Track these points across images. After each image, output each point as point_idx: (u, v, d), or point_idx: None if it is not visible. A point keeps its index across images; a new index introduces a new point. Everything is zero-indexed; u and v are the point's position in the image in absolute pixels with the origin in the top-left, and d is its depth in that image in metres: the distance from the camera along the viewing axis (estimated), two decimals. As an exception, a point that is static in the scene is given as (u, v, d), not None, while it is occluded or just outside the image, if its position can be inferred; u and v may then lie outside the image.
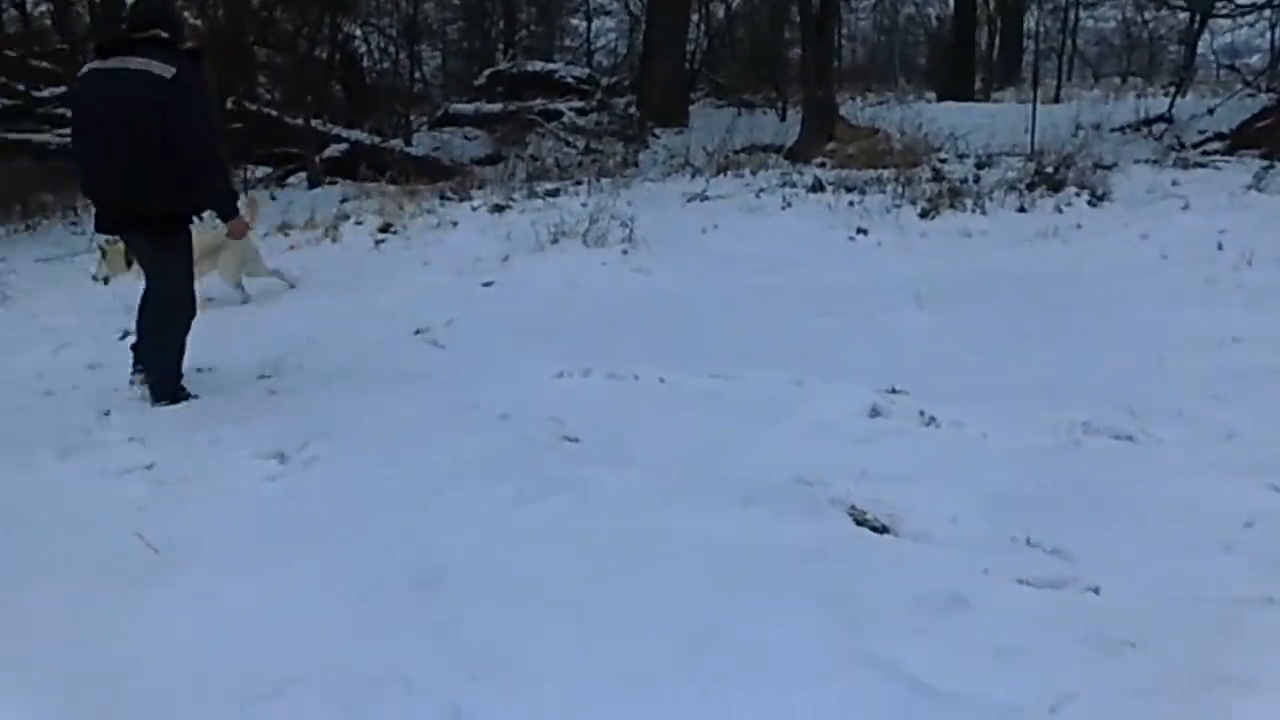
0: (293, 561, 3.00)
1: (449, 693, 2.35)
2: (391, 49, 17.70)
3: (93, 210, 4.58)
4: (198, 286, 4.66)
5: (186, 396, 4.50)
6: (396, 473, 3.56)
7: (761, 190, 8.92)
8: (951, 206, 7.87)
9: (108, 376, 4.92)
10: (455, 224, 8.26)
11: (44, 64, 12.71)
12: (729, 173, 10.28)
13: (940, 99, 17.50)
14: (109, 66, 4.18)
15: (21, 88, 11.92)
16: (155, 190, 4.17)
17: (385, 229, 8.24)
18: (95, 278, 6.03)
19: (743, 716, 2.25)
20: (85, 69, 4.37)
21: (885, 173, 9.28)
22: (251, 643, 2.61)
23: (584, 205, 8.37)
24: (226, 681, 2.46)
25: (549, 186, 9.95)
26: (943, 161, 10.25)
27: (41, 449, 4.03)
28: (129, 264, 5.55)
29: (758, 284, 5.90)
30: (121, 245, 5.32)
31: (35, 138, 11.60)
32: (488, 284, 6.31)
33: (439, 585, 2.80)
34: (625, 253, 6.71)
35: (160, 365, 4.45)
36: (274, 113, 13.55)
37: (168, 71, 4.05)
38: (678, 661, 2.47)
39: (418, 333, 5.40)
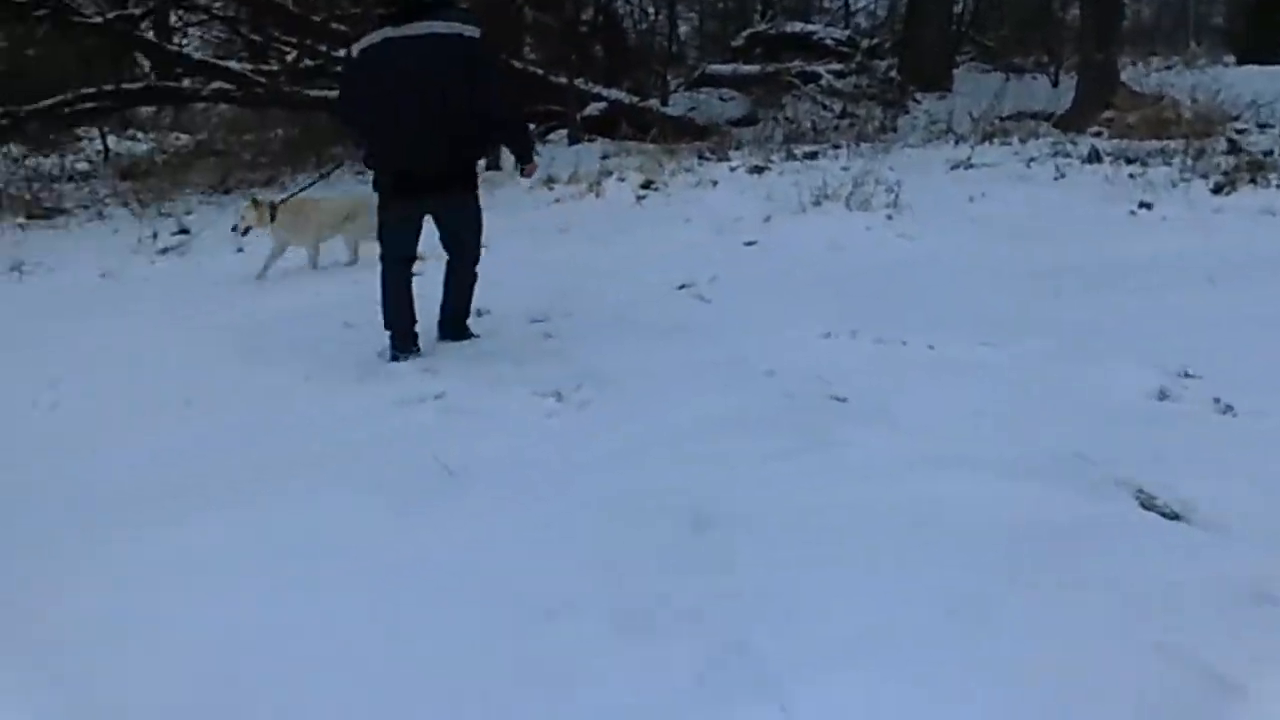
0: (570, 493, 3.18)
1: (732, 627, 2.44)
2: (650, 10, 17.97)
3: (385, 175, 4.48)
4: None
5: (470, 336, 4.82)
6: (667, 419, 3.69)
7: (1031, 159, 8.49)
8: (1252, 181, 7.19)
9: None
10: (715, 183, 8.35)
11: (340, 26, 13.74)
12: (995, 140, 9.84)
13: (1241, 62, 15.91)
14: (412, 32, 4.15)
15: (323, 48, 12.96)
16: (464, 151, 4.42)
17: (646, 185, 8.44)
18: (235, 229, 6.69)
19: (1017, 693, 2.21)
20: (378, 37, 4.23)
21: (1171, 144, 8.60)
22: (531, 564, 2.79)
23: (844, 169, 8.26)
24: (508, 598, 2.65)
25: (807, 149, 9.88)
26: (1240, 132, 9.37)
27: (345, 375, 4.44)
28: (272, 219, 6.45)
29: (1029, 254, 5.64)
30: (264, 201, 6.35)
31: (330, 94, 12.61)
32: (750, 243, 6.36)
33: (712, 527, 2.89)
34: (890, 218, 6.57)
35: (461, 307, 4.74)
36: (538, 71, 14.08)
37: (476, 32, 4.27)
38: (945, 624, 2.46)
39: (682, 287, 5.52)
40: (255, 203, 6.53)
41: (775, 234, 6.52)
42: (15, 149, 13.59)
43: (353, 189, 9.98)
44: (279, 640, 2.53)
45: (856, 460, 3.32)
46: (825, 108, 13.95)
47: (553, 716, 2.24)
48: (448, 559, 2.83)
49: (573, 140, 12.58)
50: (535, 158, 4.80)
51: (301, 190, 6.90)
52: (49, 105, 12.20)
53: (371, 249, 6.31)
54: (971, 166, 8.34)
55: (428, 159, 4.34)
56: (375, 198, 4.57)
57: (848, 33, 18.31)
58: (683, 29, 20.81)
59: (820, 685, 2.29)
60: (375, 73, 4.24)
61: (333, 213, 6.60)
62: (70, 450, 3.82)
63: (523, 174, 4.82)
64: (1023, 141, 9.53)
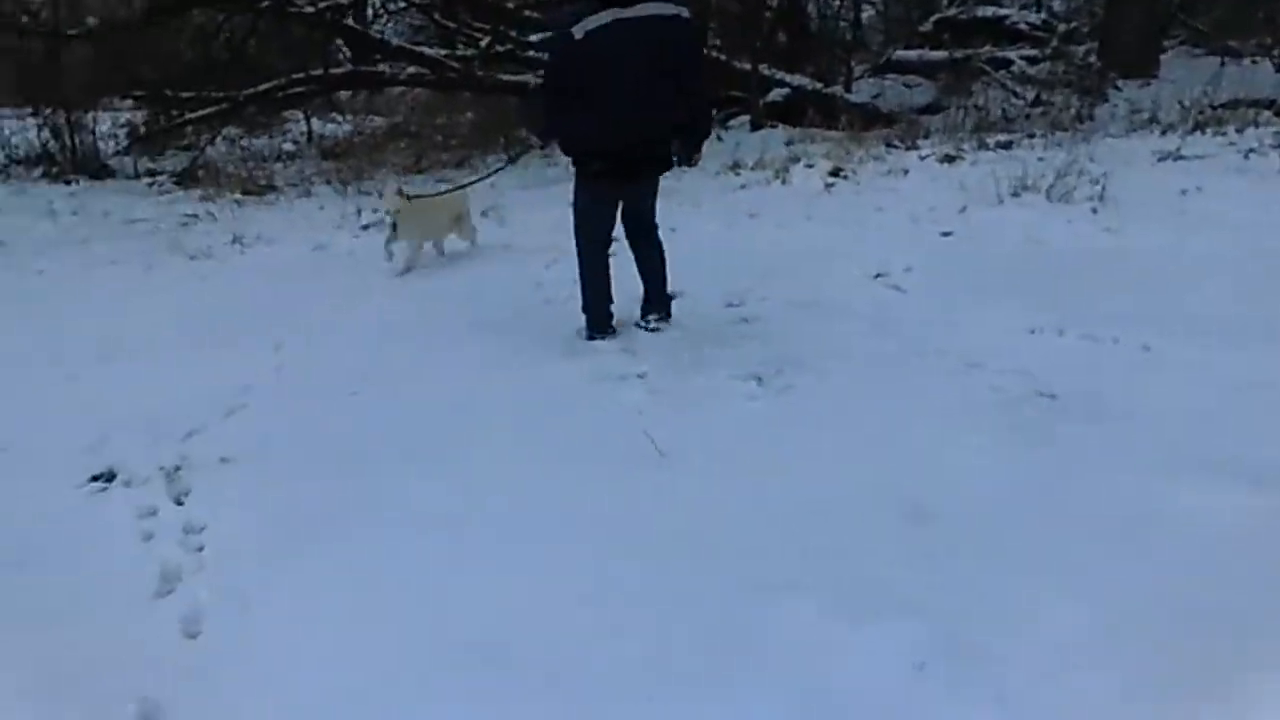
0: (783, 478, 3.23)
1: (952, 619, 2.45)
2: (834, -4, 17.68)
3: (594, 159, 4.49)
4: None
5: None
6: (873, 407, 3.70)
7: (1251, 151, 7.96)
8: None
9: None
10: (905, 172, 8.20)
11: (531, 12, 14.10)
12: (1207, 130, 9.25)
13: None
14: (639, 14, 4.19)
15: (513, 33, 13.34)
16: (671, 131, 4.50)
17: (835, 173, 8.36)
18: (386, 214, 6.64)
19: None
20: (607, 18, 4.20)
21: None
22: (750, 543, 2.87)
23: (1040, 159, 7.96)
24: (728, 572, 2.73)
25: (1000, 138, 9.56)
26: None
27: (549, 351, 4.61)
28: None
29: (1257, 249, 5.31)
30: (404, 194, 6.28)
31: (519, 79, 12.97)
32: (946, 234, 6.22)
33: (931, 520, 2.89)
34: (1094, 211, 6.30)
35: (664, 282, 4.85)
36: (721, 56, 14.08)
37: (689, 13, 4.34)
38: (1178, 631, 2.40)
39: (877, 276, 5.47)
40: (400, 193, 6.38)
41: (972, 225, 6.36)
42: (232, 131, 14.60)
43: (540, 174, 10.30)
44: (508, 584, 2.69)
45: (1076, 459, 3.25)
46: (1017, 95, 13.41)
47: (768, 689, 2.30)
48: (666, 529, 2.94)
49: (755, 126, 12.56)
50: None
51: (486, 177, 7.00)
52: (264, 90, 13.03)
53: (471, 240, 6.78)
54: (1181, 158, 7.90)
55: (642, 141, 4.42)
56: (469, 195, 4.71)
57: (1042, 16, 17.53)
58: (866, 14, 20.40)
59: (1041, 684, 2.28)
60: (599, 54, 4.20)
61: (452, 210, 6.68)
62: (296, 415, 4.09)
63: (690, 163, 4.78)
64: (1240, 131, 8.94)
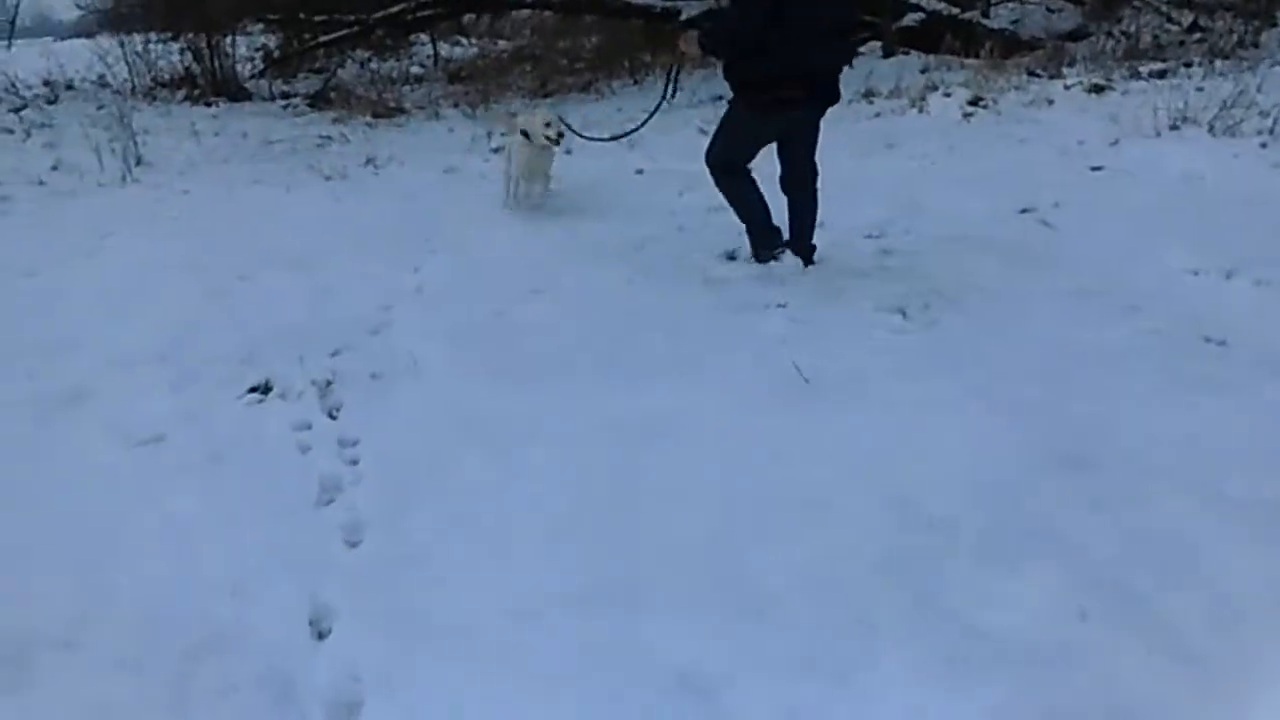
0: (936, 414, 3.14)
1: (1112, 565, 2.37)
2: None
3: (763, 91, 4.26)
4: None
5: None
6: (1025, 348, 3.57)
7: None
8: None
9: (727, 219, 5.39)
10: (1050, 102, 7.82)
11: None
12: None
13: None
14: None
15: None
16: (843, 65, 4.36)
17: (974, 102, 8.03)
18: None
19: None
20: None
21: None
22: (902, 478, 2.81)
23: (1200, 89, 7.49)
24: (880, 502, 2.69)
25: (1154, 67, 9.03)
26: None
27: (687, 279, 4.57)
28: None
29: None
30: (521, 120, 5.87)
31: (643, 1, 12.78)
32: (1096, 168, 5.92)
33: (1090, 464, 2.79)
34: (1264, 146, 5.90)
35: (812, 228, 4.69)
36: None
37: None
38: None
39: (1024, 211, 5.25)
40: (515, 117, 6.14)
41: (1125, 158, 6.04)
42: (361, 54, 14.82)
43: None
44: (667, 507, 2.71)
45: (1247, 409, 3.08)
46: (1170, 20, 12.64)
47: (914, 622, 2.27)
48: (815, 458, 2.90)
49: (887, 53, 12.13)
50: None
51: (648, 118, 5.84)
52: (393, 13, 13.15)
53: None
54: (1360, 90, 7.33)
55: (824, 70, 4.28)
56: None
57: (1201, -65, 16.38)
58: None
59: (1211, 636, 2.19)
60: None
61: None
62: (439, 333, 4.15)
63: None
64: None
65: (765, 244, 4.61)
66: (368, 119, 10.78)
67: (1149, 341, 3.59)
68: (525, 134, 5.76)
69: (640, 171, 6.84)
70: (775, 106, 4.28)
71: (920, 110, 8.15)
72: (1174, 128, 6.42)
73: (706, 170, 4.61)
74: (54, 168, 7.86)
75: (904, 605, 2.31)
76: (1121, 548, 2.46)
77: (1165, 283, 4.10)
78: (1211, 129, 6.29)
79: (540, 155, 5.87)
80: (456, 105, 11.45)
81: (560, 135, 5.70)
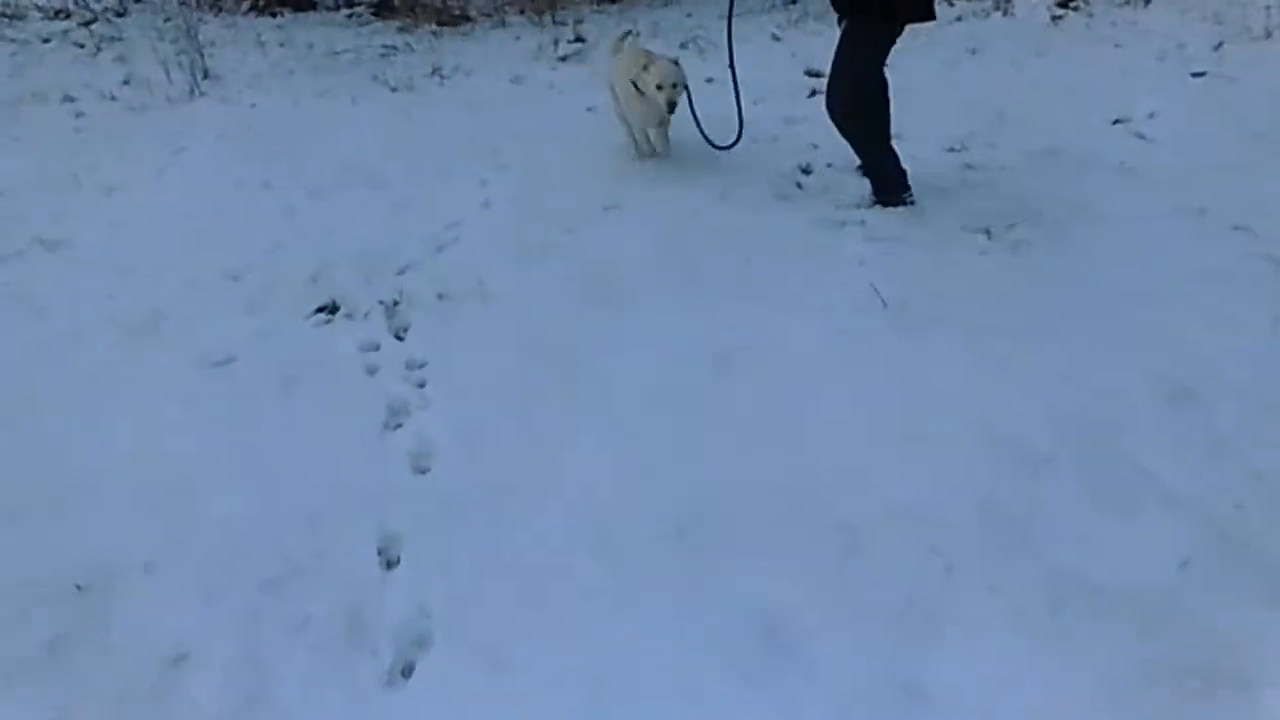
0: (1017, 341, 3.00)
1: (1213, 512, 2.25)
2: None
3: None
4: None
5: None
6: (1120, 271, 3.39)
7: None
8: None
9: (803, 131, 5.20)
10: (1146, 2, 7.35)
11: None
12: None
13: None
14: None
15: None
16: None
17: (1064, 4, 7.58)
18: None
19: None
20: None
21: None
22: (993, 411, 2.69)
23: (1314, -13, 6.98)
24: (976, 437, 2.59)
25: (1262, -39, 8.42)
26: None
27: (762, 193, 4.42)
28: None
29: None
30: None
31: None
32: (1198, 74, 5.55)
33: (1191, 401, 2.65)
34: (1386, 49, 5.51)
35: None
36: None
37: None
38: None
39: (1116, 122, 4.96)
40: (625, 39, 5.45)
41: (1230, 64, 5.64)
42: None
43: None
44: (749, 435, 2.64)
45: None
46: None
47: (1011, 567, 2.18)
48: (900, 388, 2.81)
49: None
50: None
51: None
52: (457, -86, 12.81)
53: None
54: None
55: None
56: None
57: None
58: None
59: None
60: None
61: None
62: (508, 251, 4.08)
63: None
64: None
65: (902, 184, 4.17)
66: (432, 27, 10.55)
67: (1258, 267, 3.37)
68: (636, 85, 4.77)
69: (710, 80, 6.59)
70: (898, 28, 3.97)
71: (1005, 13, 7.72)
72: (1286, 29, 6.00)
73: (835, 118, 4.12)
74: (125, 82, 7.86)
75: (1001, 549, 2.22)
76: (1228, 491, 2.33)
77: (1275, 201, 3.84)
78: (1327, 31, 5.87)
79: (652, 107, 4.77)
80: (522, 12, 11.15)
81: (674, 103, 4.62)
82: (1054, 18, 7.40)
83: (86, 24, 11.27)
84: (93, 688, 2.11)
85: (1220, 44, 6.00)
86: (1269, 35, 5.96)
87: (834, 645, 2.02)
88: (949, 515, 2.32)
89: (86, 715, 2.06)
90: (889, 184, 4.18)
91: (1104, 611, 2.03)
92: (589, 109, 6.13)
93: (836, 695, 1.93)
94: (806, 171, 4.72)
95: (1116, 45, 6.41)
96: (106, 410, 3.10)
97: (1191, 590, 2.07)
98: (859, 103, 4.06)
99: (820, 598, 2.14)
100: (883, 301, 3.26)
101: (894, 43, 4.09)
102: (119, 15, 12.14)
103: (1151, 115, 5.00)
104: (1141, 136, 4.77)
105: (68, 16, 11.57)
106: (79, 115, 6.88)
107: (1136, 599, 2.06)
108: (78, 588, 2.37)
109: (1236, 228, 3.63)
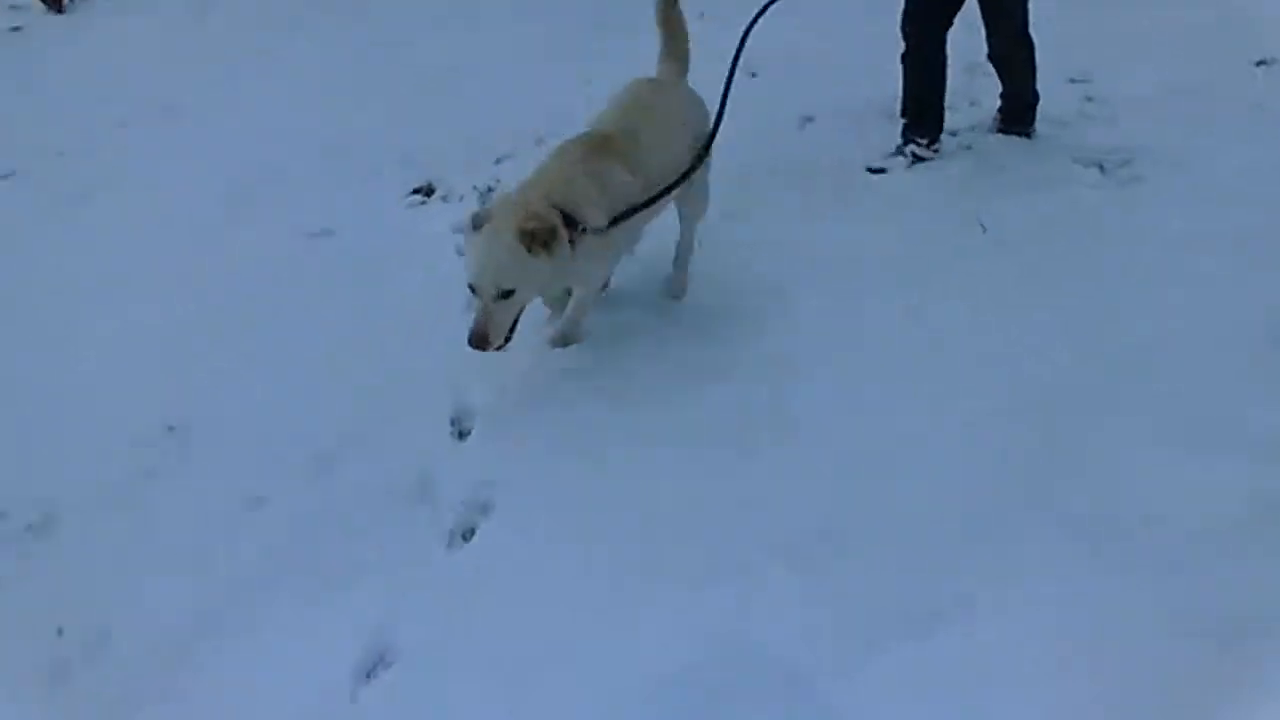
0: (1121, 280, 2.92)
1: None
2: None
3: None
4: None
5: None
6: (1234, 214, 3.21)
7: None
8: None
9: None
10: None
11: None
12: None
13: None
14: None
15: None
16: None
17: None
18: None
19: None
20: None
21: None
22: (1077, 349, 2.64)
23: None
24: (1059, 384, 2.54)
25: None
26: None
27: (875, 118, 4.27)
28: None
29: None
30: None
31: None
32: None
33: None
34: None
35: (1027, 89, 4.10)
36: None
37: None
38: None
39: (1260, 64, 4.61)
40: None
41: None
42: None
43: None
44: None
45: None
46: None
47: (1097, 507, 2.14)
48: (997, 318, 2.76)
49: None
50: None
51: None
52: None
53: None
54: None
55: None
56: None
57: None
58: None
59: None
60: None
61: None
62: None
63: None
64: None
65: (934, 124, 3.90)
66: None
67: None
68: None
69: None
70: None
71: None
72: None
73: (1006, 46, 3.93)
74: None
75: (1083, 493, 2.19)
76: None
77: None
78: None
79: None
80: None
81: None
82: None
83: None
84: (174, 518, 2.24)
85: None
86: None
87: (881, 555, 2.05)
88: (1015, 449, 2.31)
89: (165, 539, 2.19)
90: (1028, 112, 4.00)
91: (1176, 553, 1.99)
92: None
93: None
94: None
95: (1270, -15, 5.99)
96: (213, 275, 3.25)
97: (1265, 538, 2.01)
98: (1026, 28, 3.91)
99: (868, 511, 2.17)
100: (982, 227, 3.18)
101: None
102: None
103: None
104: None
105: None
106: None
107: (1208, 540, 2.01)
108: (170, 428, 2.50)
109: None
